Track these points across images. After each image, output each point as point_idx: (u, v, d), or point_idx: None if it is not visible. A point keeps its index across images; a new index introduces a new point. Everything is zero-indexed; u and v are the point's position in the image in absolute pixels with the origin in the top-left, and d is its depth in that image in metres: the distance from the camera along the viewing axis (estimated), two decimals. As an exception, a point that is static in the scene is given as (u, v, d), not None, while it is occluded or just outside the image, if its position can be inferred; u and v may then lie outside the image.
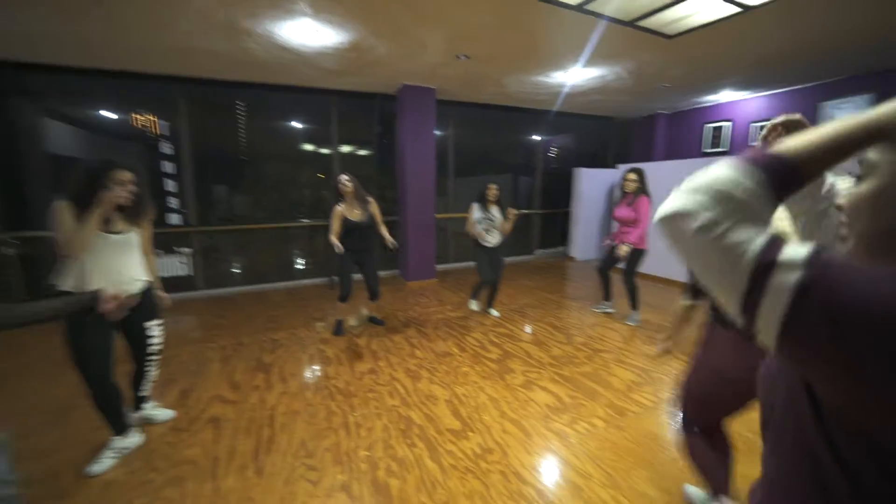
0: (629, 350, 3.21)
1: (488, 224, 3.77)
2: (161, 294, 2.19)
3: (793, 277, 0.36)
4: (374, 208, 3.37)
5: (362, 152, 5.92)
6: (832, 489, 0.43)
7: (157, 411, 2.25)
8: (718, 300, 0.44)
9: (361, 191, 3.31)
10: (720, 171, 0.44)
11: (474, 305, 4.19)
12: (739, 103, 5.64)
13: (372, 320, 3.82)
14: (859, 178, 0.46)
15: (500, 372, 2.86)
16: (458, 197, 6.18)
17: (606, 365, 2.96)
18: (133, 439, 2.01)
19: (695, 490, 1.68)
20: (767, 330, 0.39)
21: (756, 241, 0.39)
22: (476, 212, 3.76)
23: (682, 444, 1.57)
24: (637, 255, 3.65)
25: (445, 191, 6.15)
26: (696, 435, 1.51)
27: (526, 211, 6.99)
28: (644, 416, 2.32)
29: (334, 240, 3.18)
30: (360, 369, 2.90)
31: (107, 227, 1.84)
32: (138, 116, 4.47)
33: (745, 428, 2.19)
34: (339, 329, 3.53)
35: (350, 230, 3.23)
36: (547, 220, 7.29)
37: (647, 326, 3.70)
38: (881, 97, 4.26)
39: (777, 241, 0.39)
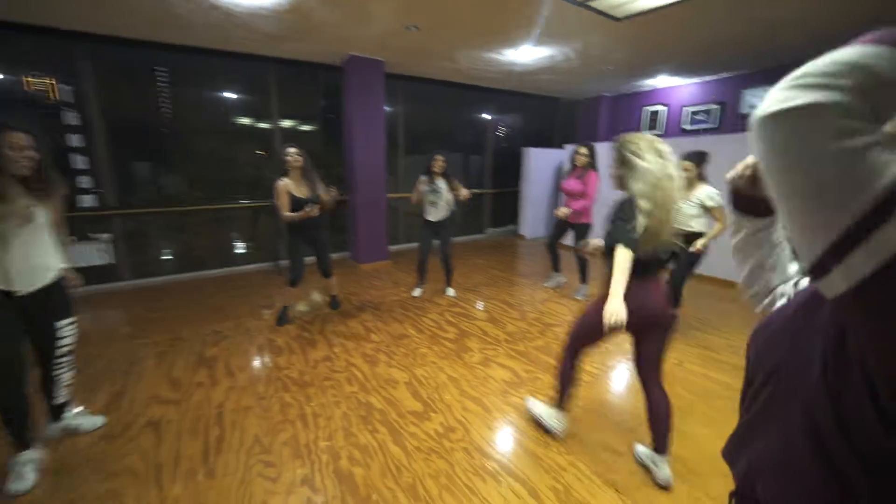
0: (578, 323, 3.38)
1: (434, 197, 3.69)
2: (71, 277, 1.90)
3: None
4: (322, 186, 3.17)
5: (306, 127, 5.55)
6: (829, 444, 0.44)
7: (82, 419, 2.01)
8: (799, 220, 0.38)
9: (310, 167, 3.09)
10: (868, 51, 0.33)
11: (417, 292, 4.07)
12: (674, 89, 5.98)
13: (335, 300, 3.65)
14: None
15: (458, 351, 2.90)
16: (410, 175, 6.04)
17: (558, 338, 3.10)
18: (39, 452, 1.77)
19: (643, 448, 1.83)
20: (861, 265, 0.33)
21: (890, 166, 0.32)
22: (422, 184, 3.68)
23: (558, 360, 1.95)
24: (584, 229, 3.82)
25: (396, 169, 5.99)
26: (571, 357, 1.90)
27: (477, 191, 7.02)
28: (594, 384, 2.47)
29: (291, 214, 2.94)
30: (314, 357, 2.79)
31: (6, 204, 1.55)
32: (31, 79, 3.81)
33: (682, 388, 2.42)
34: (283, 318, 3.32)
35: (298, 209, 3.01)
36: (497, 200, 7.39)
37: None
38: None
39: None
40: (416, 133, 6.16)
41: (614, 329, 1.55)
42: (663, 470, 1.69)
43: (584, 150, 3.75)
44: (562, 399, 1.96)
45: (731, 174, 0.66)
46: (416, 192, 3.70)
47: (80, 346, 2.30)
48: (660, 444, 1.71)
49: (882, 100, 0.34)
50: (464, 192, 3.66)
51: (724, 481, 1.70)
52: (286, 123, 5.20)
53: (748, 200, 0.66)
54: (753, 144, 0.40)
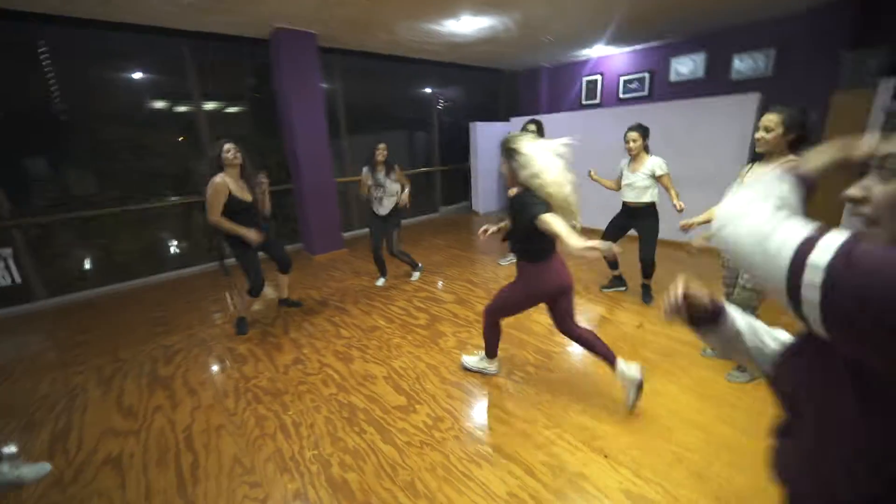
0: (542, 296, 3.50)
1: (379, 192, 3.55)
2: None
3: (818, 277, 0.42)
4: (263, 189, 2.92)
5: (233, 109, 5.06)
6: (856, 465, 0.47)
7: (21, 470, 1.75)
8: (764, 283, 0.52)
9: (249, 165, 2.81)
10: (763, 184, 0.58)
11: (381, 282, 3.96)
12: (609, 58, 6.17)
13: (287, 303, 3.46)
14: (887, 174, 0.47)
15: (432, 337, 2.89)
16: (355, 157, 5.77)
17: (527, 313, 3.16)
18: None
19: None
20: (813, 318, 0.43)
21: (789, 241, 0.46)
22: (366, 174, 3.51)
23: (484, 326, 2.21)
24: None
25: (340, 151, 5.68)
26: (494, 323, 2.19)
27: (425, 169, 6.90)
28: (566, 355, 2.59)
29: (230, 225, 2.65)
30: (283, 362, 2.65)
31: None
32: None
33: (646, 349, 2.61)
34: (242, 328, 3.06)
35: (239, 212, 2.73)
36: (447, 177, 7.32)
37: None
38: (710, 55, 5.07)
39: (808, 242, 0.45)
40: (357, 111, 5.84)
41: (608, 250, 1.58)
42: (629, 368, 1.97)
43: (532, 127, 3.77)
44: (491, 351, 2.31)
45: (667, 308, 0.74)
46: (361, 185, 3.55)
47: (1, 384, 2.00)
48: (610, 356, 2.02)
49: (787, 207, 0.55)
50: (403, 198, 3.62)
51: (696, 433, 1.88)
52: (210, 106, 4.69)
53: (695, 316, 0.75)
54: (719, 242, 0.59)
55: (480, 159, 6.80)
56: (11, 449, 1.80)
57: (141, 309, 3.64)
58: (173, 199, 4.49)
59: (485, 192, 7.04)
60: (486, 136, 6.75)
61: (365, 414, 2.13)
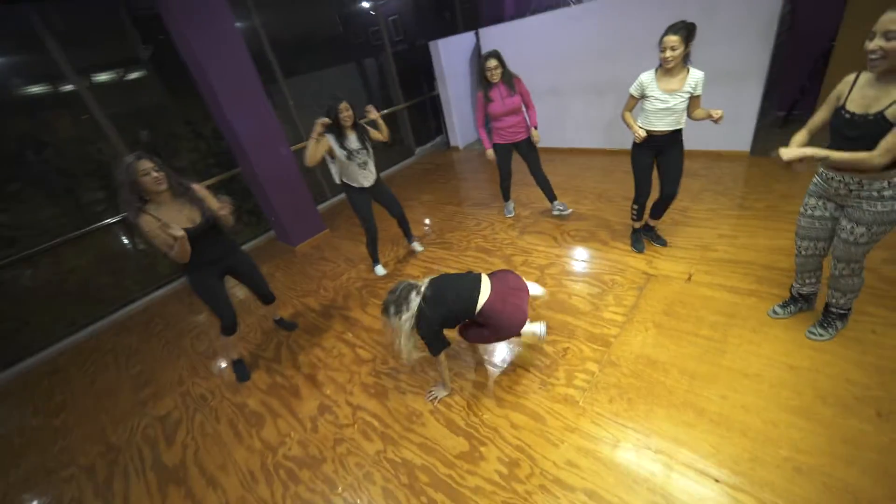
0: (567, 256, 3.10)
1: (363, 157, 2.90)
2: None
3: None
4: (204, 194, 2.21)
5: (133, 75, 3.96)
6: None
7: None
8: None
9: (177, 179, 2.09)
10: None
11: (381, 270, 3.42)
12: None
13: (281, 324, 2.98)
14: None
15: (463, 342, 2.51)
16: (304, 113, 4.79)
17: (560, 284, 2.82)
18: None
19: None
20: None
21: None
22: (335, 148, 2.78)
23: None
24: (526, 145, 3.39)
25: (287, 110, 4.69)
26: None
27: (387, 111, 5.90)
28: (625, 338, 2.27)
29: (176, 249, 1.99)
30: (306, 413, 2.27)
31: None
32: None
33: (708, 311, 2.30)
34: (242, 373, 2.61)
35: (194, 239, 2.10)
36: (415, 111, 6.37)
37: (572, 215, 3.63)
38: None
39: None
40: (287, 48, 4.68)
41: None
42: None
43: (493, 62, 3.07)
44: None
45: None
46: (313, 153, 2.72)
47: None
48: None
49: None
50: (383, 133, 3.04)
51: (801, 424, 1.62)
52: (101, 78, 3.64)
53: None
54: None
55: (449, 84, 5.85)
56: None
57: (114, 364, 3.10)
58: (109, 220, 3.65)
59: (461, 121, 6.21)
60: (450, 53, 5.72)
61: (426, 473, 1.82)
